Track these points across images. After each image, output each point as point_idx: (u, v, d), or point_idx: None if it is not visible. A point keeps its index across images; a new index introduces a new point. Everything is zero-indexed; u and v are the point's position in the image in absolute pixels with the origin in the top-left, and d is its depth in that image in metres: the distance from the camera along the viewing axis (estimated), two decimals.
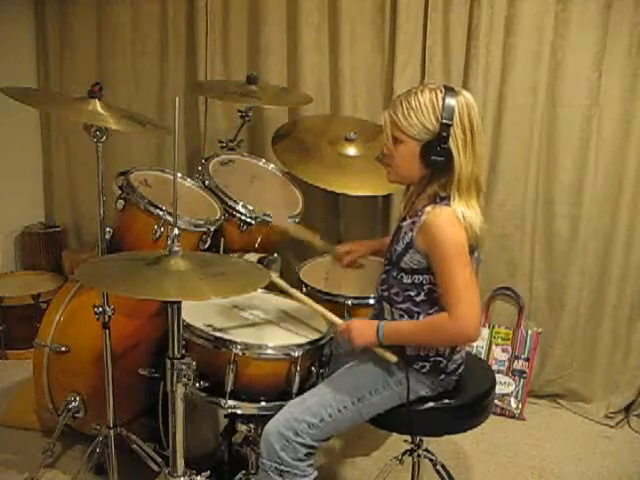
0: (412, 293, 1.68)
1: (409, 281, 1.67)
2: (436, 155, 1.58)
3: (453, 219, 1.58)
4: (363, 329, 1.70)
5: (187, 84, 3.21)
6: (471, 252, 1.63)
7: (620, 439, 2.69)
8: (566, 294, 2.85)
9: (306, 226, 2.79)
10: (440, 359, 1.72)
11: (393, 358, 1.70)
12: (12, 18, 3.34)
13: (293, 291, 1.93)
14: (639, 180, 2.71)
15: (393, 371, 1.71)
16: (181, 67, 3.22)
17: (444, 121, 1.56)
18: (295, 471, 1.63)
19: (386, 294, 1.74)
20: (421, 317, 1.68)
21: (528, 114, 2.75)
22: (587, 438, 2.68)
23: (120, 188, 2.16)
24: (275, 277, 1.90)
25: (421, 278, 1.65)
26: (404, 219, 1.73)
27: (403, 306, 1.70)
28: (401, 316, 1.71)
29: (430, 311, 1.66)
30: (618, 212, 2.74)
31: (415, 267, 1.65)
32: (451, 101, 1.57)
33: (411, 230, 1.65)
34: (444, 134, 1.57)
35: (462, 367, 1.80)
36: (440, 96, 1.58)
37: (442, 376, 1.75)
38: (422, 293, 1.66)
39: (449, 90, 1.60)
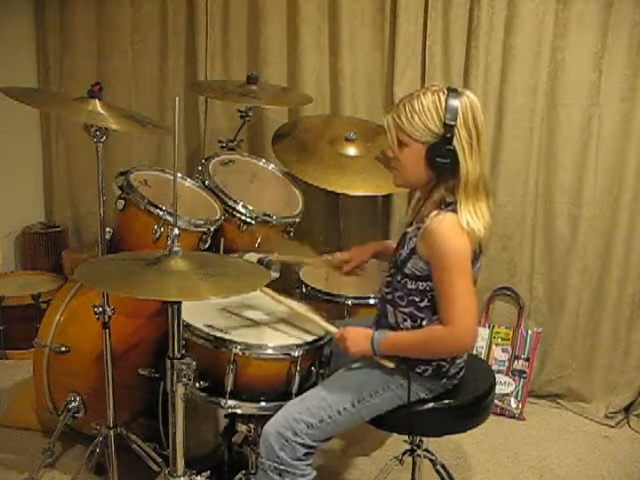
0: (416, 299, 1.67)
1: (413, 287, 1.67)
2: (441, 157, 1.58)
3: (456, 226, 1.57)
4: (358, 339, 1.70)
5: (187, 84, 3.21)
6: (476, 259, 1.63)
7: (620, 439, 2.69)
8: (566, 294, 2.85)
9: (306, 226, 2.80)
10: (443, 363, 1.72)
11: (390, 364, 1.70)
12: (12, 18, 3.33)
13: (288, 301, 1.93)
14: (639, 180, 2.71)
15: (394, 373, 1.71)
16: (181, 67, 3.22)
17: (448, 122, 1.56)
18: (294, 470, 1.63)
19: (390, 297, 1.74)
20: (424, 322, 1.67)
21: (528, 114, 2.75)
22: (587, 438, 2.68)
23: (120, 188, 2.16)
24: (268, 290, 1.89)
25: (425, 285, 1.65)
26: (410, 224, 1.73)
27: (406, 310, 1.69)
28: (404, 320, 1.70)
29: (434, 317, 1.65)
30: (618, 212, 2.73)
31: (418, 274, 1.65)
32: (454, 102, 1.57)
33: (415, 236, 1.65)
34: (448, 135, 1.56)
35: (463, 370, 1.79)
36: (443, 98, 1.58)
37: (444, 380, 1.75)
38: (426, 299, 1.66)
39: (452, 91, 1.59)
